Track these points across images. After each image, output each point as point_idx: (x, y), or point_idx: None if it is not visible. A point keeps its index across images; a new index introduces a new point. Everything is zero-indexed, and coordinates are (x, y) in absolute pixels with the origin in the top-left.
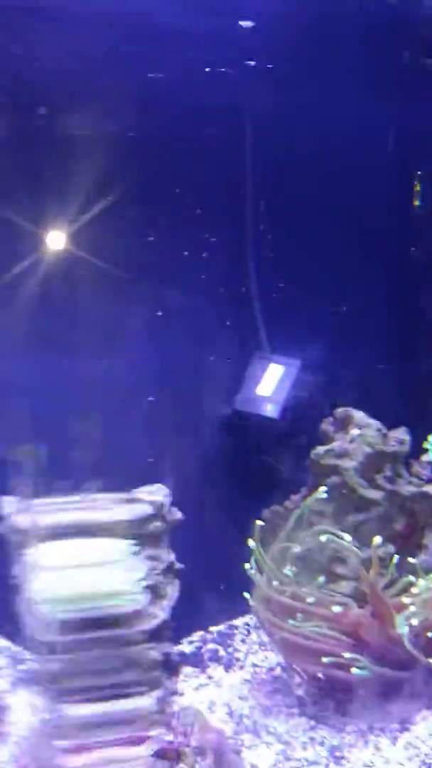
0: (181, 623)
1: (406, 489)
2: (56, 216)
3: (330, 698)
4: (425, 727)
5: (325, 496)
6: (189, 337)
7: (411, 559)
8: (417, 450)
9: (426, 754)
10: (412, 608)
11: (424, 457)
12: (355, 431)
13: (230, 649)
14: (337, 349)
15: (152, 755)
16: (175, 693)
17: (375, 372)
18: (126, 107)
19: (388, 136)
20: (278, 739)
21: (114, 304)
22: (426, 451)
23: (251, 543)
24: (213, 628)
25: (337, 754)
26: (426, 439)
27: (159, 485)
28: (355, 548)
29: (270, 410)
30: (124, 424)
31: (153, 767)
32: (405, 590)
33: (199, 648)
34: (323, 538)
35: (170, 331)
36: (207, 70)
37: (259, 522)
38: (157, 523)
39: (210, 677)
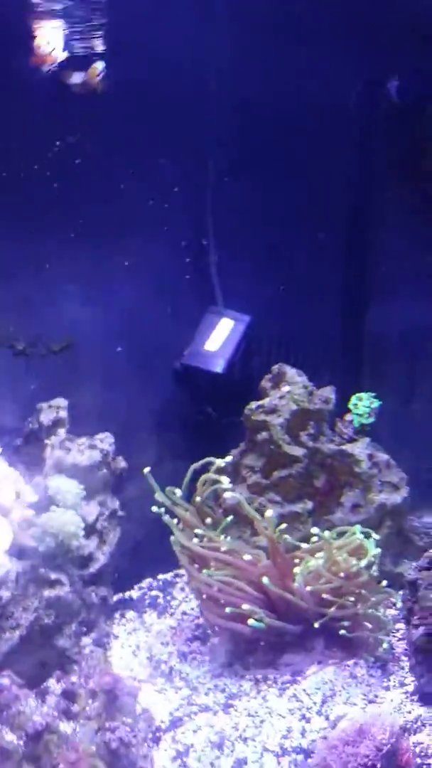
0: (133, 570)
1: (328, 447)
2: None
3: (237, 648)
4: (314, 681)
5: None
6: (147, 288)
7: (328, 516)
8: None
9: (308, 708)
10: (312, 562)
11: (348, 416)
12: (285, 388)
13: (168, 597)
14: (287, 306)
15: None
16: (108, 635)
17: (324, 329)
18: None
19: None
20: (188, 684)
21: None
22: (349, 410)
23: (168, 490)
24: (160, 576)
25: (230, 702)
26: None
27: (106, 434)
28: (253, 511)
29: (217, 365)
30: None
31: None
32: (314, 548)
33: (143, 594)
34: (228, 495)
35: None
36: None
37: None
38: (104, 471)
39: (143, 622)
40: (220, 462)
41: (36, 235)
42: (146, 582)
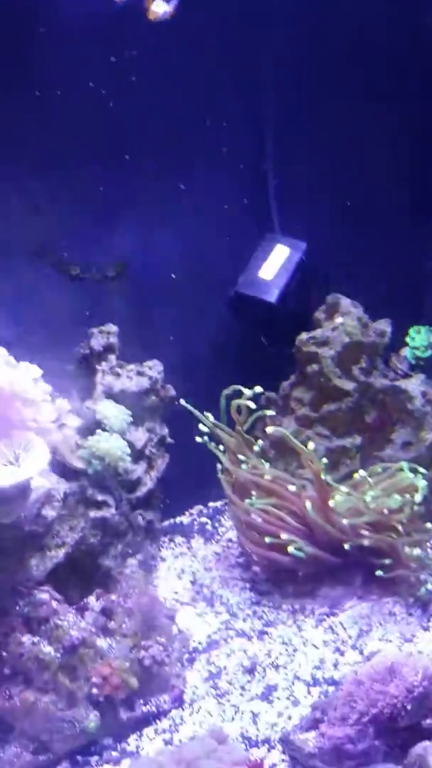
0: (185, 497)
1: (380, 382)
2: None
3: (276, 577)
4: (351, 615)
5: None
6: (204, 213)
7: (378, 453)
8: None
9: (343, 641)
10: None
11: (403, 351)
12: (338, 320)
13: (216, 524)
14: (346, 234)
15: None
16: (155, 558)
17: (384, 260)
18: None
19: None
20: (228, 609)
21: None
22: (406, 344)
23: (211, 419)
24: (211, 504)
25: (265, 629)
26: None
27: (155, 361)
28: (299, 444)
29: (271, 294)
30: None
31: None
32: (358, 483)
33: (193, 520)
34: (270, 429)
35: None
36: None
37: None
38: (153, 397)
39: (191, 547)
40: (248, 392)
41: (90, 156)
42: (197, 509)
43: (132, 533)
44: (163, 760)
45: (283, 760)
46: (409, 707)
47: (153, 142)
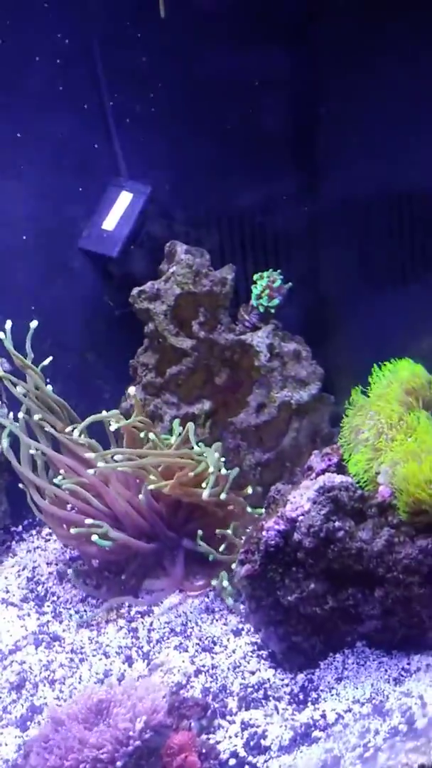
0: None
1: (224, 337)
2: None
3: (108, 568)
4: (166, 612)
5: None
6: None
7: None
8: None
9: (139, 648)
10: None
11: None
12: (171, 269)
13: None
14: (201, 176)
15: None
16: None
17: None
18: None
19: None
20: (54, 609)
21: None
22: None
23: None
24: None
25: (59, 634)
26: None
27: None
28: (105, 413)
29: (111, 247)
30: None
31: None
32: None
33: None
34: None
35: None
36: None
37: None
38: None
39: (47, 540)
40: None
41: None
42: None
43: None
44: None
45: None
46: (119, 766)
47: None
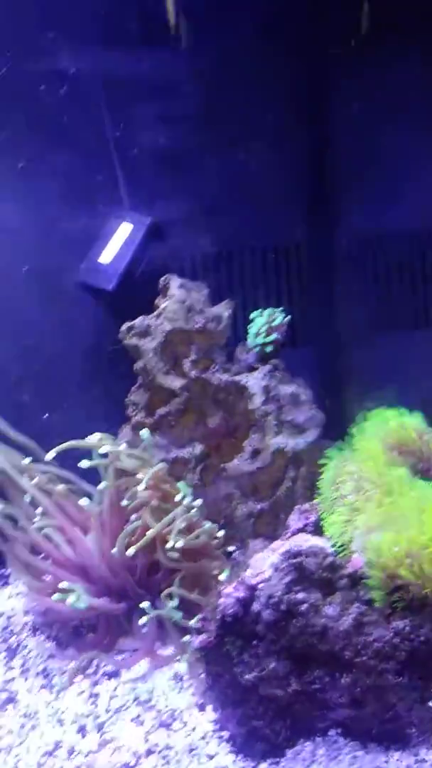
0: None
1: (218, 377)
2: None
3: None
4: (133, 678)
5: None
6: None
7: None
8: None
9: (96, 717)
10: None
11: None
12: (163, 304)
13: None
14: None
15: None
16: None
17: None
18: None
19: None
20: (23, 663)
21: None
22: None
23: None
24: None
25: (16, 697)
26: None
27: None
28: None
29: (107, 281)
30: None
31: None
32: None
33: None
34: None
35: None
36: None
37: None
38: None
39: None
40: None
41: None
42: None
43: None
44: None
45: None
46: None
47: None
